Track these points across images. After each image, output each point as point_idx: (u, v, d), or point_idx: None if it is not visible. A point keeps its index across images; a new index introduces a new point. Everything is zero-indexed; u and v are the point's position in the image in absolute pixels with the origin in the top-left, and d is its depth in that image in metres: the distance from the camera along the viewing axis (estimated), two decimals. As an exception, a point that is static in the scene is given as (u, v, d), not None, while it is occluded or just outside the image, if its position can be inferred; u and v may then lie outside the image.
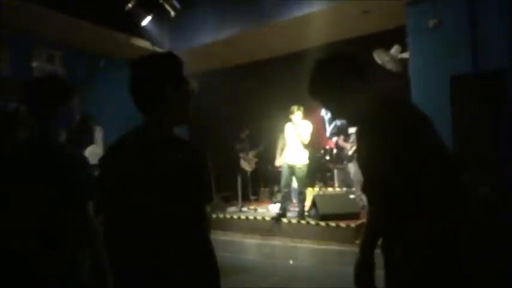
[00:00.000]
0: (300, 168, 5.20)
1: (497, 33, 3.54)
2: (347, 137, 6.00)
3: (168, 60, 1.23)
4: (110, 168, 1.21)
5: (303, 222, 5.10)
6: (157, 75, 1.20)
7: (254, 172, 6.79)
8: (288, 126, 5.40)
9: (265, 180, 7.16)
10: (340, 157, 6.66)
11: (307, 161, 5.29)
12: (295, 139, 5.25)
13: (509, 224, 3.00)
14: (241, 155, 6.58)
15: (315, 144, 7.38)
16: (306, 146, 5.25)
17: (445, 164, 1.18)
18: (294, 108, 5.24)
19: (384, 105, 1.28)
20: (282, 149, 5.84)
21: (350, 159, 5.78)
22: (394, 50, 4.88)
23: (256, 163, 6.70)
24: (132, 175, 1.14)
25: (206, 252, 1.16)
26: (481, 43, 3.63)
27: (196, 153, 1.19)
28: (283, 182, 5.44)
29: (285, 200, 5.43)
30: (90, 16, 4.41)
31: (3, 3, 3.73)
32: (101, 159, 1.23)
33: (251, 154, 6.60)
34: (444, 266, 1.18)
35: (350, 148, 5.85)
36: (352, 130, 5.90)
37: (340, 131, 6.56)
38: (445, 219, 1.19)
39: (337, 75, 1.31)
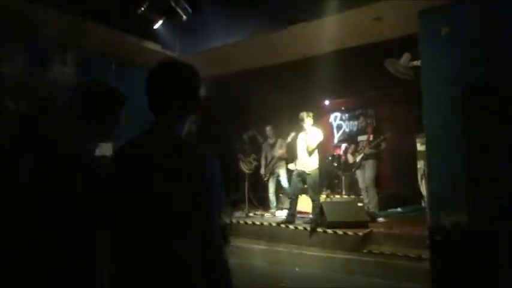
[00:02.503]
0: (310, 175, 5.15)
1: (511, 42, 3.49)
2: (356, 145, 5.96)
3: (193, 72, 1.27)
4: (112, 174, 1.22)
5: (309, 229, 5.05)
6: (185, 84, 1.24)
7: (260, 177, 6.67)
8: (300, 134, 5.38)
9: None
10: (348, 164, 6.62)
11: (316, 166, 5.24)
12: (304, 146, 5.23)
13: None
14: (240, 155, 6.42)
15: (323, 151, 7.37)
16: (311, 153, 5.20)
17: None
18: (304, 114, 5.22)
19: None
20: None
21: (358, 166, 5.73)
22: (404, 59, 4.84)
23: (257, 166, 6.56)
24: (132, 182, 1.14)
25: (210, 265, 1.11)
26: (494, 52, 3.59)
27: (204, 161, 1.14)
28: (292, 189, 5.43)
29: (293, 207, 5.41)
30: (102, 19, 4.45)
31: (16, 6, 3.79)
32: (107, 164, 1.24)
33: (252, 157, 6.42)
34: None
35: (354, 160, 5.83)
36: (361, 138, 5.86)
37: (349, 138, 6.52)
38: None
39: None
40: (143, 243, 1.11)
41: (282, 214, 5.87)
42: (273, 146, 6.23)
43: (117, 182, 1.19)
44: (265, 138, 6.42)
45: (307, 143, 5.16)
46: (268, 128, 6.29)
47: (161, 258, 1.09)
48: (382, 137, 5.50)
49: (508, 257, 2.87)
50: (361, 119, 6.13)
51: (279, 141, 6.16)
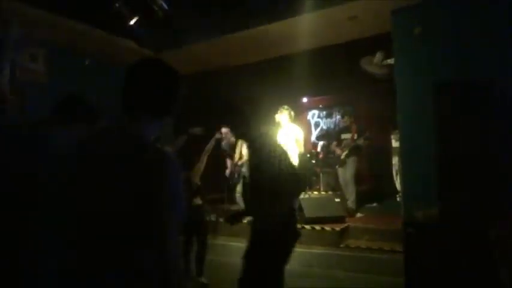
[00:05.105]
0: None
1: (481, 41, 3.62)
2: (339, 142, 6.05)
3: (174, 73, 1.25)
4: (67, 170, 1.17)
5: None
6: (165, 85, 1.22)
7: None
8: (279, 132, 5.42)
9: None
10: (326, 161, 6.70)
11: (296, 164, 5.29)
12: (287, 143, 5.27)
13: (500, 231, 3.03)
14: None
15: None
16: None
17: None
18: (286, 112, 5.25)
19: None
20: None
21: (342, 163, 5.80)
22: (377, 58, 4.96)
23: None
24: (83, 182, 1.10)
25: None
26: (465, 50, 3.71)
27: (166, 168, 1.08)
28: None
29: None
30: (75, 15, 4.34)
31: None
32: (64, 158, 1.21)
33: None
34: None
35: (342, 153, 5.91)
36: (344, 136, 5.98)
37: (330, 136, 6.61)
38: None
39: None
40: (93, 251, 1.06)
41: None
42: (234, 146, 6.00)
43: (69, 180, 1.13)
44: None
45: (299, 142, 5.20)
46: (226, 130, 5.65)
47: (111, 268, 1.05)
48: (368, 133, 5.63)
49: (475, 249, 2.99)
50: (346, 118, 6.21)
51: (240, 140, 6.00)
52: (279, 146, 2.49)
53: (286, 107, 5.30)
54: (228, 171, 6.09)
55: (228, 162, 6.17)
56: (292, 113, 5.36)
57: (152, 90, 1.19)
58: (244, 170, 6.03)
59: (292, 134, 5.24)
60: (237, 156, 5.96)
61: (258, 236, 2.36)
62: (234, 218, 2.72)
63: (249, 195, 2.48)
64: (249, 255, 2.35)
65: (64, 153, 1.19)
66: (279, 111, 5.29)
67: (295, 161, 5.28)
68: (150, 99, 1.19)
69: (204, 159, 4.00)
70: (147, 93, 1.19)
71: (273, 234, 2.28)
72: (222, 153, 6.23)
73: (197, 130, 4.13)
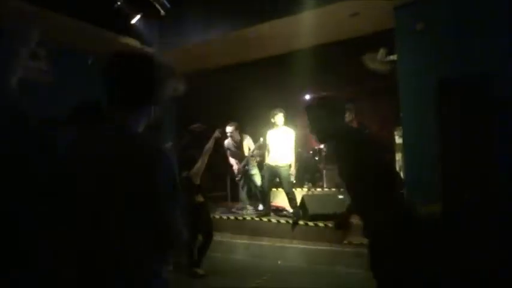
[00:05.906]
0: (283, 167, 5.24)
1: (484, 36, 3.60)
2: None
3: (153, 63, 1.24)
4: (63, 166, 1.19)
5: (291, 222, 5.12)
6: (144, 75, 1.20)
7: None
8: (270, 131, 5.48)
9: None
10: (330, 158, 6.69)
11: (289, 162, 5.36)
12: (279, 141, 5.33)
13: (499, 230, 3.03)
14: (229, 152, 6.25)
15: (306, 145, 7.45)
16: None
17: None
18: (277, 111, 5.36)
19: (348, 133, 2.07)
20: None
21: None
22: (380, 54, 4.93)
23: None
24: (78, 177, 1.12)
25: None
26: (467, 46, 3.69)
27: (156, 159, 1.10)
28: (266, 183, 5.50)
29: (267, 202, 5.53)
30: (77, 13, 4.35)
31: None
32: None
33: (255, 152, 6.34)
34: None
35: None
36: None
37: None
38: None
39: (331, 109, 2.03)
40: (93, 250, 1.07)
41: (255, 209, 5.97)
42: (239, 145, 6.02)
43: (68, 180, 1.15)
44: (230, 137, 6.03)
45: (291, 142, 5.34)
46: (230, 128, 5.86)
47: (112, 268, 1.06)
48: (367, 132, 5.65)
49: (477, 244, 2.99)
50: (348, 113, 6.19)
51: (246, 139, 6.07)
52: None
53: (281, 109, 5.40)
54: (235, 168, 6.10)
55: (232, 160, 6.17)
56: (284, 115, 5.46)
57: (132, 81, 1.18)
58: (248, 167, 6.08)
59: (286, 134, 5.39)
60: (246, 151, 6.01)
61: (379, 237, 1.96)
62: (344, 222, 2.33)
63: (353, 192, 2.07)
64: (377, 260, 1.98)
65: (64, 153, 1.20)
66: (275, 114, 5.37)
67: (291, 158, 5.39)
68: (130, 90, 1.18)
69: (205, 158, 4.03)
70: (127, 84, 1.18)
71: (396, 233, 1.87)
72: (224, 152, 6.24)
73: (197, 127, 4.16)
